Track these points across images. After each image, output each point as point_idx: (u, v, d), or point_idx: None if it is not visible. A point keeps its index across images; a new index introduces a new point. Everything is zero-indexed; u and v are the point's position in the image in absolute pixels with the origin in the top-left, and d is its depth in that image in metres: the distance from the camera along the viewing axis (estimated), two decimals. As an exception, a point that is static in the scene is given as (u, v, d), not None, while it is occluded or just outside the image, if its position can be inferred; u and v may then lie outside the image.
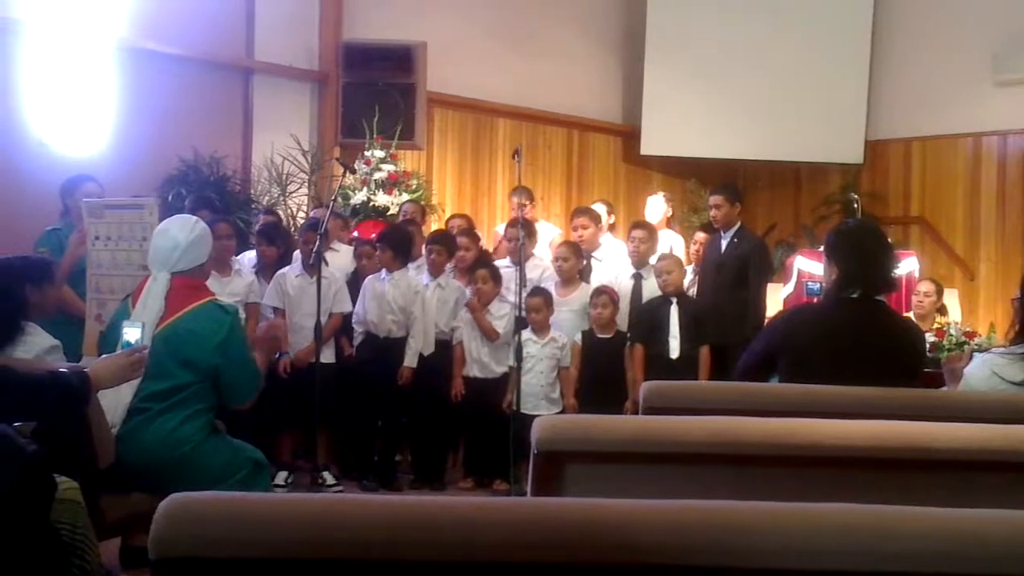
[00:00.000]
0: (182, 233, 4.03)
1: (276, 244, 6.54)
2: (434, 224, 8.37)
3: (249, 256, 6.59)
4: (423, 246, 6.73)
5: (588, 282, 6.85)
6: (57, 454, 3.01)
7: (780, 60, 9.98)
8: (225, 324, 3.95)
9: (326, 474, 6.15)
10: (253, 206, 7.74)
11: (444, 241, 6.66)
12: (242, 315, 5.77)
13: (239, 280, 6.09)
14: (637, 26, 10.21)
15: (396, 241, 6.46)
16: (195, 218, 4.26)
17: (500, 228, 7.97)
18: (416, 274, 6.69)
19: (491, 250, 7.61)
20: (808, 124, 10.03)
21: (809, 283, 7.16)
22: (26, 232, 5.92)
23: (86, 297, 5.25)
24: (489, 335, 6.38)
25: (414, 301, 6.31)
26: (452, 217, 7.84)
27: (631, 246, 6.85)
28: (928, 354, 5.48)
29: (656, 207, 8.19)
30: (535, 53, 9.77)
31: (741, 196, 7.11)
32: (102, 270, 5.18)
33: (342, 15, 8.69)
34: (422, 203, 7.79)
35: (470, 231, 7.11)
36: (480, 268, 6.53)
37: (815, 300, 6.59)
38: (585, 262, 7.09)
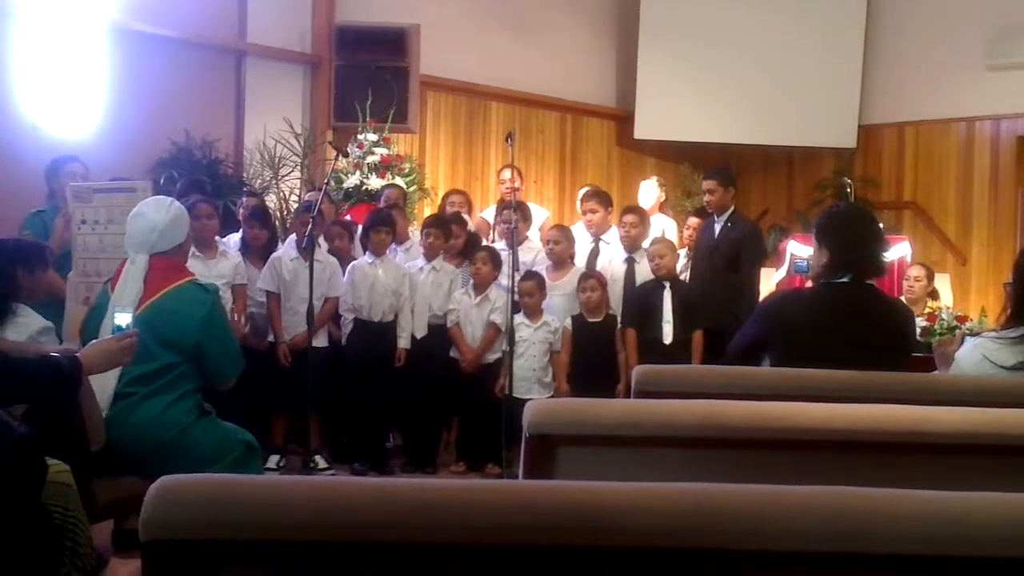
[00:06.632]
0: (158, 215, 4.02)
1: (268, 227, 6.53)
2: (427, 208, 8.36)
3: (234, 239, 6.56)
4: (421, 230, 6.71)
5: (595, 266, 6.86)
6: (48, 437, 3.00)
7: (774, 44, 9.97)
8: (207, 303, 3.95)
9: (318, 458, 6.15)
10: (245, 189, 7.72)
11: (440, 225, 6.65)
12: (228, 297, 5.78)
13: (226, 262, 6.05)
14: (631, 10, 10.19)
15: (394, 224, 6.48)
16: (170, 199, 4.24)
17: (486, 214, 7.94)
18: (406, 257, 6.69)
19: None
20: (801, 108, 10.04)
21: (798, 261, 7.17)
22: (18, 215, 5.90)
23: (69, 280, 5.21)
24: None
25: (403, 283, 6.32)
26: (449, 193, 7.83)
27: (622, 231, 6.85)
28: (920, 338, 5.51)
29: (649, 192, 8.19)
30: (529, 37, 9.74)
31: (735, 180, 7.10)
32: (89, 253, 5.15)
33: (335, -3, 8.67)
34: (404, 188, 7.72)
35: (459, 217, 7.09)
36: (481, 251, 6.52)
37: (804, 277, 6.61)
38: (593, 245, 7.10)
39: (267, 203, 7.39)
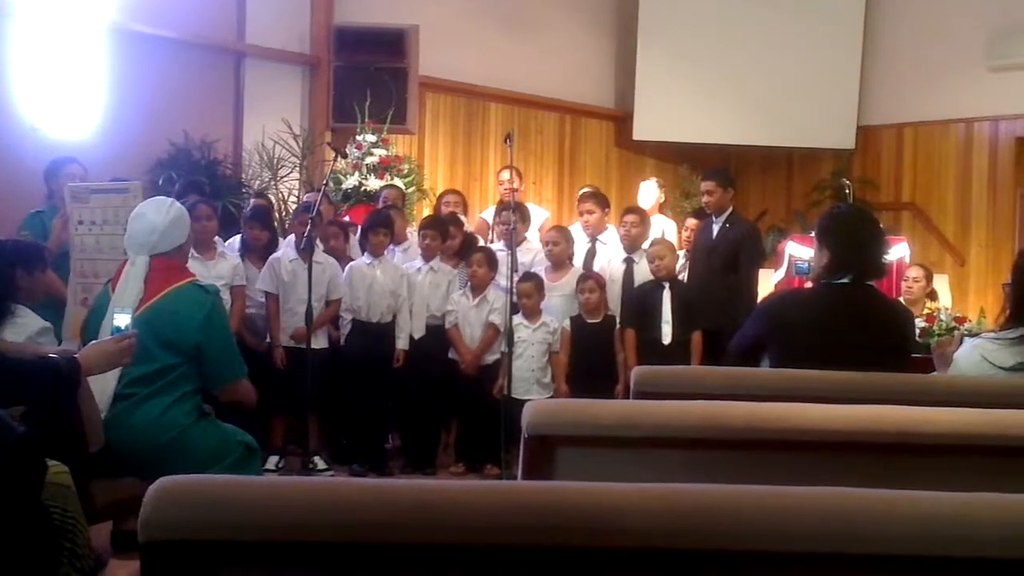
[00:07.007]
0: (158, 216, 4.01)
1: (269, 228, 6.53)
2: (426, 208, 8.36)
3: (234, 240, 6.54)
4: (418, 231, 6.72)
5: (592, 266, 6.86)
6: (47, 439, 3.00)
7: (773, 45, 9.98)
8: (207, 304, 3.94)
9: (317, 459, 6.14)
10: (244, 190, 7.72)
11: (437, 226, 6.65)
12: (227, 298, 5.77)
13: (224, 263, 6.05)
14: (630, 10, 10.20)
15: (393, 225, 6.48)
16: (170, 200, 4.22)
17: (486, 214, 7.94)
18: (404, 258, 6.69)
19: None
20: (800, 109, 10.05)
21: (799, 263, 7.18)
22: (17, 216, 5.90)
23: (68, 281, 5.21)
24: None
25: (401, 284, 6.32)
26: (445, 193, 7.83)
27: (622, 231, 6.85)
28: (919, 339, 5.51)
29: (649, 192, 8.20)
30: (528, 37, 9.74)
31: (733, 181, 7.10)
32: (86, 254, 5.14)
33: (334, -2, 8.67)
34: (403, 188, 7.72)
35: (456, 218, 7.09)
36: (477, 252, 6.52)
37: (804, 278, 6.61)
38: (589, 245, 7.11)
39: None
